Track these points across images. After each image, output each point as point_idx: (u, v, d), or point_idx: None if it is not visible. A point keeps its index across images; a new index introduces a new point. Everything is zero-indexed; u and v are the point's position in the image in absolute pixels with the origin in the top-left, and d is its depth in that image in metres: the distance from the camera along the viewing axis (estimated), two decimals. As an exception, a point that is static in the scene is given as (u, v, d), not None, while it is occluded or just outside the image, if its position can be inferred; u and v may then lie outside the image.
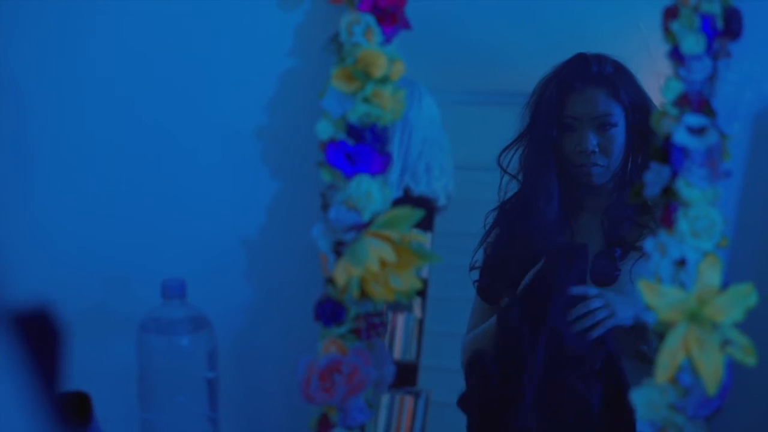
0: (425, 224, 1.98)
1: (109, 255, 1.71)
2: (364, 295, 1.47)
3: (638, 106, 1.87)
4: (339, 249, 1.48)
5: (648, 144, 1.80)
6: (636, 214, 1.81)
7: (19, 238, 1.67)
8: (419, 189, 2.30)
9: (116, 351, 1.64)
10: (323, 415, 1.49)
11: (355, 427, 1.49)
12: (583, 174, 1.83)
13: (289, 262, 1.72)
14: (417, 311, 2.66)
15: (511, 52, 2.17)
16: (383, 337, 1.52)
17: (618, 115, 1.84)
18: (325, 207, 1.49)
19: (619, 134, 1.83)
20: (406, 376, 2.52)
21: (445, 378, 2.23)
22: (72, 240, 1.70)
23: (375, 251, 1.45)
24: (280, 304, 1.73)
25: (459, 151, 2.26)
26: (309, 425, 1.50)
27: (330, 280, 1.49)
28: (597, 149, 1.82)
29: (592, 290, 1.74)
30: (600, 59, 1.87)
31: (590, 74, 1.86)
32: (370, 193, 1.47)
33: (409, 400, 2.39)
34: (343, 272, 1.45)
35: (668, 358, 1.34)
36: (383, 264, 1.45)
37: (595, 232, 1.87)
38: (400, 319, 2.60)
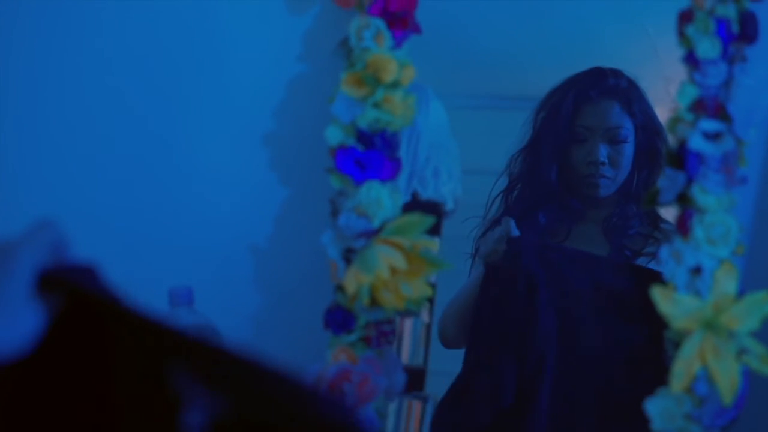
0: (433, 229, 1.96)
1: (116, 262, 1.69)
2: (374, 302, 1.46)
3: (647, 124, 1.87)
4: (349, 256, 1.46)
5: (653, 161, 1.81)
6: (639, 225, 1.81)
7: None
8: (427, 194, 2.29)
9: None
10: (333, 424, 1.47)
11: (365, 437, 1.47)
12: (589, 185, 1.83)
13: (297, 270, 1.70)
14: (425, 316, 2.66)
15: (518, 56, 2.16)
16: (393, 345, 1.51)
17: (628, 129, 1.84)
18: (335, 214, 1.48)
19: (628, 150, 1.83)
20: (413, 381, 2.51)
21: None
22: (79, 247, 1.68)
23: (385, 258, 1.43)
24: (288, 311, 1.71)
25: (466, 156, 2.25)
26: (318, 435, 1.48)
27: (340, 288, 1.47)
28: (606, 161, 1.81)
29: None
30: (616, 73, 1.88)
31: (606, 86, 1.86)
32: (380, 199, 1.46)
33: (416, 405, 2.38)
34: (353, 280, 1.44)
35: (684, 367, 1.32)
36: (394, 271, 1.44)
37: (594, 238, 1.86)
38: (408, 325, 2.59)
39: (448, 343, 1.96)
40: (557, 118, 1.88)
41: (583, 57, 1.94)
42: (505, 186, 1.95)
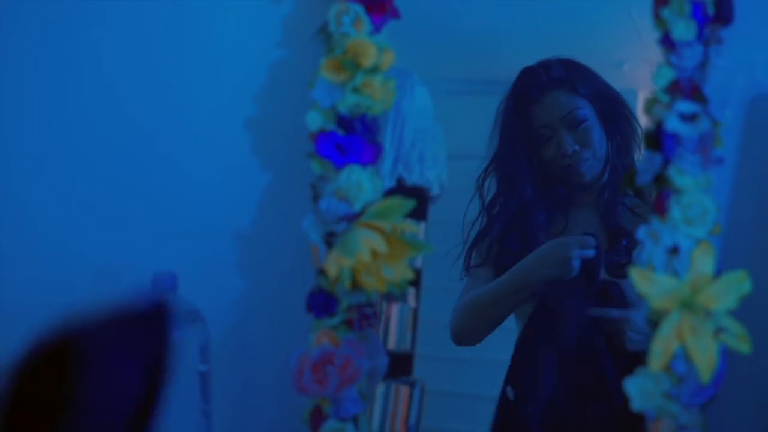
0: (419, 214, 1.96)
1: (100, 249, 1.70)
2: (355, 286, 1.46)
3: (600, 94, 1.87)
4: (330, 240, 1.47)
5: (621, 125, 1.82)
6: (630, 202, 1.81)
7: (9, 234, 1.66)
8: (412, 179, 2.29)
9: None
10: (316, 406, 1.48)
11: (348, 419, 1.48)
12: (573, 173, 1.84)
13: (280, 254, 1.70)
14: (411, 301, 2.66)
15: (503, 41, 2.16)
16: (376, 328, 1.51)
17: (584, 107, 1.84)
18: (316, 198, 1.48)
19: (592, 124, 1.84)
20: (401, 365, 2.52)
21: (440, 367, 2.23)
22: (63, 234, 1.69)
23: (366, 242, 1.44)
24: (271, 296, 1.72)
25: (451, 141, 2.25)
26: (302, 417, 1.49)
27: (321, 272, 1.48)
28: (577, 147, 1.82)
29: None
30: (546, 65, 1.89)
31: (541, 83, 1.86)
32: (360, 183, 1.46)
33: (404, 390, 2.39)
34: (334, 263, 1.45)
35: (662, 346, 1.33)
36: (375, 255, 1.45)
37: (592, 223, 1.86)
38: (395, 309, 2.59)
39: (461, 340, 1.93)
40: (512, 131, 1.89)
41: (566, 41, 1.95)
42: (481, 207, 1.94)
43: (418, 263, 2.39)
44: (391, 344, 2.62)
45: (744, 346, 1.33)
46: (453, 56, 2.24)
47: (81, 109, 1.68)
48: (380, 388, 2.31)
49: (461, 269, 1.94)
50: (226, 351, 1.70)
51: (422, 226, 2.52)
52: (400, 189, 2.25)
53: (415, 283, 2.63)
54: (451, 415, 2.30)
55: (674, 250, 1.36)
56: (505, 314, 1.85)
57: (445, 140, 2.37)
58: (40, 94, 1.68)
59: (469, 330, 1.90)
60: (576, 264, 1.72)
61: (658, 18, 1.39)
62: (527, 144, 1.87)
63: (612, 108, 1.87)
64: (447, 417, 2.36)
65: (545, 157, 1.86)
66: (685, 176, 1.36)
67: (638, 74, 1.92)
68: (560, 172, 1.85)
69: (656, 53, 1.43)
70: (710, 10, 1.38)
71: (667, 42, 1.39)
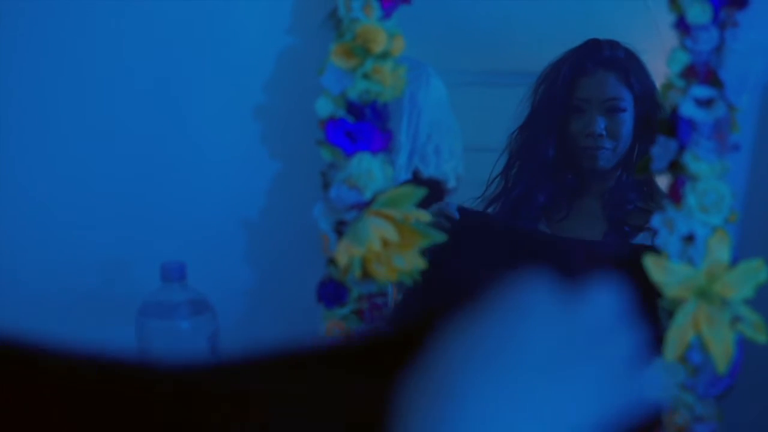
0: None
1: (108, 238, 1.69)
2: (366, 275, 1.45)
3: (647, 95, 1.86)
4: (340, 229, 1.46)
5: (653, 134, 1.80)
6: (638, 199, 1.80)
7: (16, 223, 1.66)
8: (428, 171, 2.28)
9: (116, 336, 1.62)
10: (326, 398, 1.47)
11: (360, 410, 1.47)
12: (589, 157, 1.82)
13: (290, 243, 1.69)
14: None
15: (519, 32, 2.15)
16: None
17: (627, 100, 1.83)
18: (326, 186, 1.47)
19: (627, 119, 1.82)
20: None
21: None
22: (71, 225, 1.68)
23: (377, 230, 1.43)
24: (281, 285, 1.71)
25: (468, 133, 2.24)
26: (312, 409, 1.47)
27: (332, 261, 1.47)
28: (605, 132, 1.81)
29: None
30: (612, 44, 1.87)
31: (602, 58, 1.85)
32: (371, 171, 1.45)
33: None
34: (344, 252, 1.43)
35: (677, 336, 1.32)
36: (385, 243, 1.43)
37: (594, 214, 1.85)
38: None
39: None
40: (554, 92, 1.88)
41: (582, 31, 1.93)
42: (504, 165, 1.94)
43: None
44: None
45: (761, 336, 1.31)
46: (468, 48, 2.23)
47: (88, 99, 1.68)
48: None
49: None
50: (236, 341, 1.69)
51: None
52: (416, 182, 2.24)
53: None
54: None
55: (690, 238, 1.34)
56: None
57: (461, 132, 2.37)
58: (47, 82, 1.68)
59: None
60: None
61: (672, 1, 1.37)
62: (560, 110, 1.86)
63: (650, 117, 1.85)
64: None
65: (570, 129, 1.84)
66: (700, 163, 1.33)
67: (656, 66, 1.90)
68: (577, 152, 1.84)
69: (674, 44, 1.41)
70: (726, -7, 1.35)
71: (682, 25, 1.37)
